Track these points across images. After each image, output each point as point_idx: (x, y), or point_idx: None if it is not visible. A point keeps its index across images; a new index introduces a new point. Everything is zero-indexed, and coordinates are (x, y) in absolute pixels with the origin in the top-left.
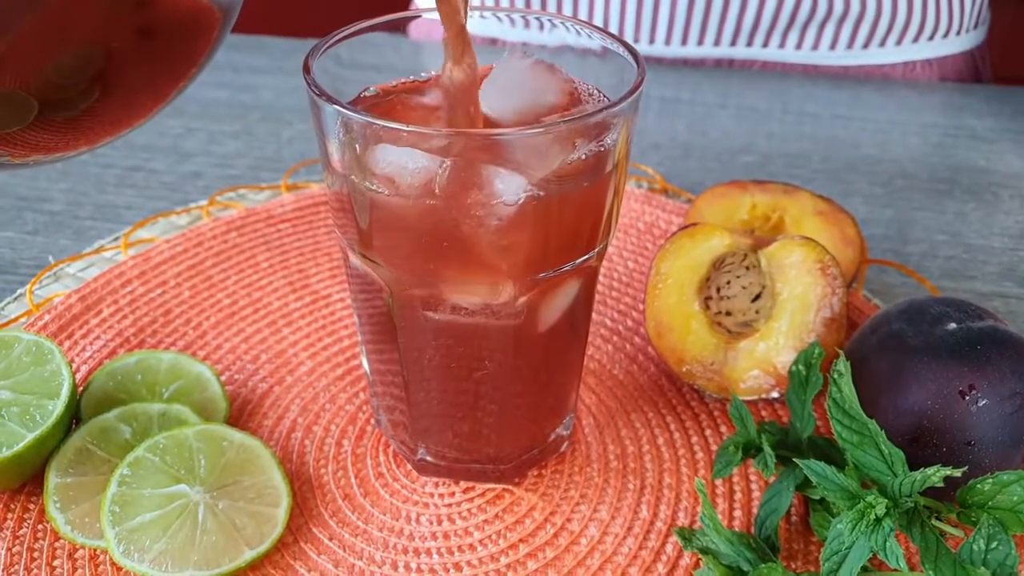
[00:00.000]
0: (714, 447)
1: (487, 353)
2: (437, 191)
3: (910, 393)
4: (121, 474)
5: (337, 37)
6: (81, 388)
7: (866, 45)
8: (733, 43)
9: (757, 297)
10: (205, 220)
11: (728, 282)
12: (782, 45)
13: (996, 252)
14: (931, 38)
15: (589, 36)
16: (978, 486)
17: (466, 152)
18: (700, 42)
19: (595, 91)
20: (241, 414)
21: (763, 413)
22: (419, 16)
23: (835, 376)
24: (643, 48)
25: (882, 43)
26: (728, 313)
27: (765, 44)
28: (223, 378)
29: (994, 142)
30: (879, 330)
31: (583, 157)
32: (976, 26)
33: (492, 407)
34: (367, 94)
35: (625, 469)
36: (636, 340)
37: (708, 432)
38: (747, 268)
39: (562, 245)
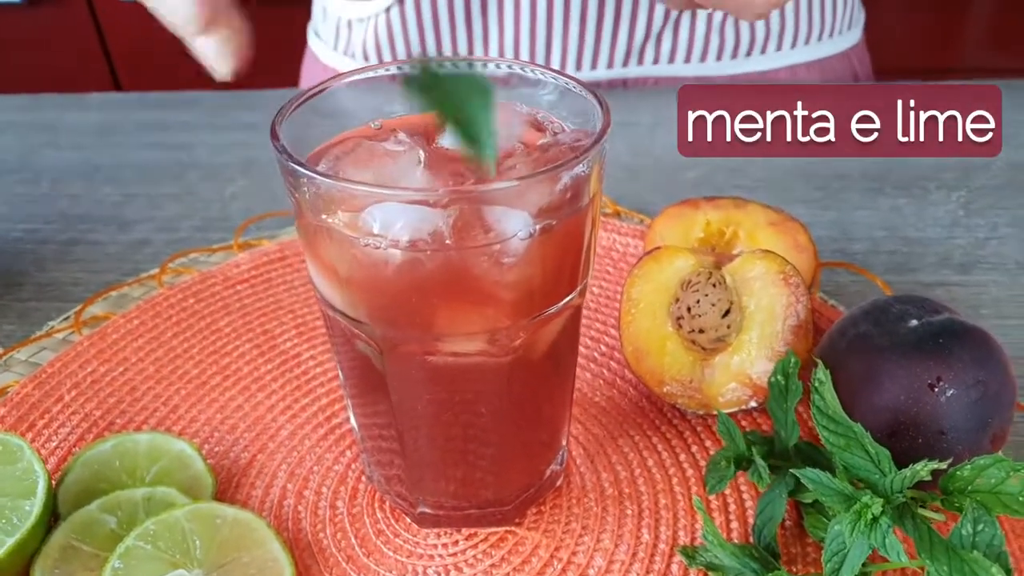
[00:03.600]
0: (702, 463)
1: (483, 398)
2: (447, 240)
3: (884, 391)
4: (113, 567)
5: (299, 101)
6: (55, 482)
7: (749, 53)
8: (625, 63)
9: (727, 312)
10: (159, 289)
11: (697, 301)
12: (671, 60)
13: (932, 243)
14: (807, 42)
15: (542, 75)
16: (958, 472)
17: (466, 198)
18: (593, 66)
19: (556, 122)
20: (228, 487)
21: (743, 424)
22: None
23: (816, 384)
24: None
25: (763, 50)
26: (701, 331)
27: (655, 61)
28: (203, 452)
29: None
30: (847, 333)
31: (567, 191)
32: (850, 27)
33: (489, 451)
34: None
35: (621, 495)
36: (612, 365)
37: (694, 448)
38: (714, 285)
39: (549, 286)
